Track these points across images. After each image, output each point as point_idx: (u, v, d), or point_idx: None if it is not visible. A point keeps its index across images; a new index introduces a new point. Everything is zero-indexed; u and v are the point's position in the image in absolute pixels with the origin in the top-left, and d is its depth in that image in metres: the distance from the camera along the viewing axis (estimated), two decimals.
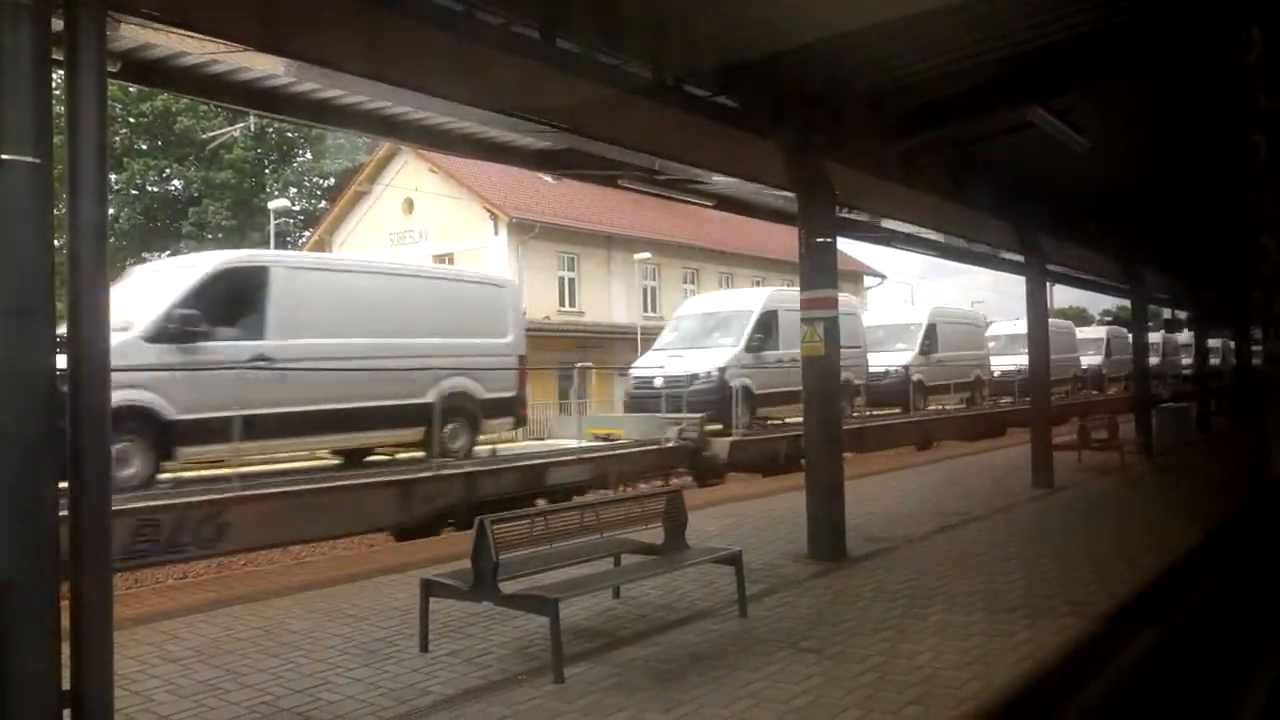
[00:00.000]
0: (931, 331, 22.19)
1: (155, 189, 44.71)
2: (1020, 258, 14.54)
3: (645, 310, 31.49)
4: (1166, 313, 34.77)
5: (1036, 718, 1.08)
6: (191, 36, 5.22)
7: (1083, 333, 33.94)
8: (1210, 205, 13.63)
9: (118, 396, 9.19)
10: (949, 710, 4.52)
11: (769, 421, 16.35)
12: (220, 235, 43.21)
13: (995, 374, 24.76)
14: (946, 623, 6.07)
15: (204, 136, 39.70)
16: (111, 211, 35.02)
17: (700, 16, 6.75)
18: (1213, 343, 30.40)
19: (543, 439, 16.30)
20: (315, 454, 11.55)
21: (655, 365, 16.46)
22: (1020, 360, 19.43)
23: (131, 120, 43.12)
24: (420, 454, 11.46)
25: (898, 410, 20.17)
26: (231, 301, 9.85)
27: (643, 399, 15.98)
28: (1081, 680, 1.09)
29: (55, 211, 3.53)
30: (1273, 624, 1.24)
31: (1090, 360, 31.14)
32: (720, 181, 10.66)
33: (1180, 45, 7.56)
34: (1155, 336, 29.23)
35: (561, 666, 5.09)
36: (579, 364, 24.57)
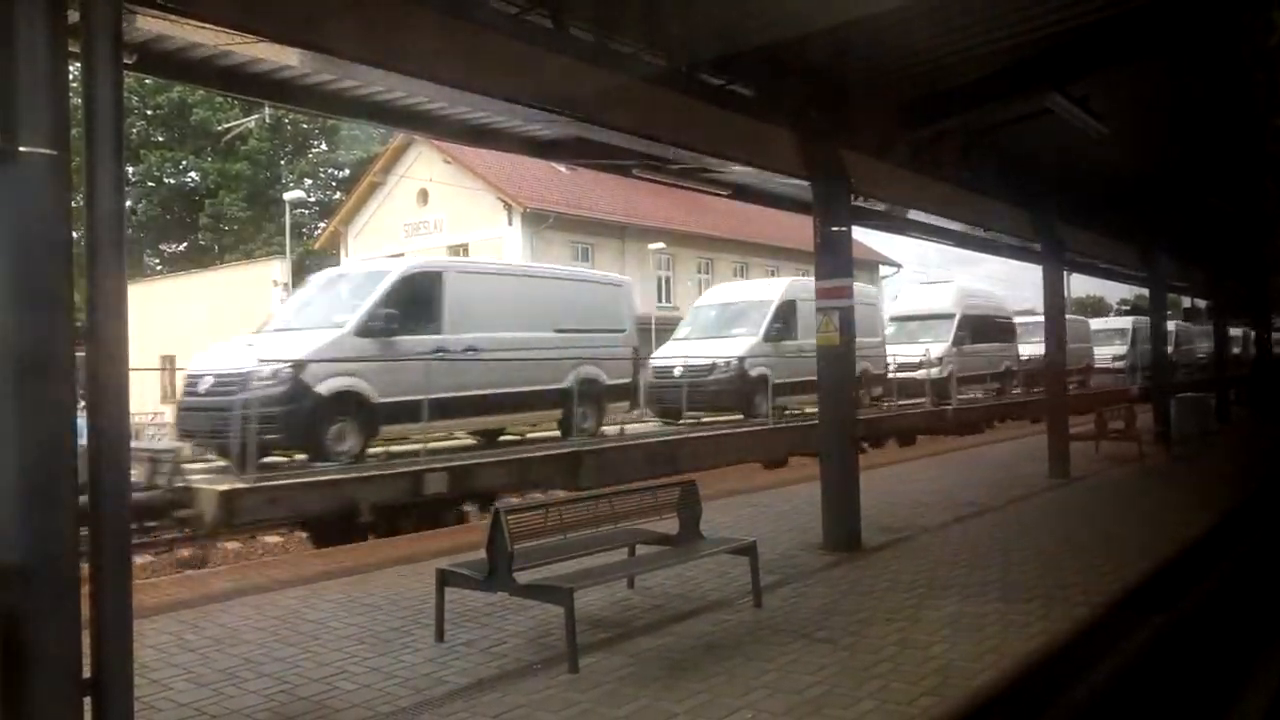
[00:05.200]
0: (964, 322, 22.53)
1: (172, 181, 44.99)
2: (1037, 246, 14.42)
3: (659, 300, 31.43)
4: (1186, 302, 34.44)
5: (1042, 702, 1.08)
6: (204, 27, 5.23)
7: (1111, 323, 34.02)
8: (1230, 192, 13.49)
9: (337, 384, 9.78)
10: (963, 700, 4.51)
11: (787, 411, 16.30)
12: (236, 227, 43.50)
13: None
14: (961, 613, 6.06)
15: (220, 128, 39.92)
16: (129, 203, 35.29)
17: (713, 2, 6.71)
18: (1233, 331, 30.12)
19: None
20: (452, 435, 12.70)
21: (675, 355, 16.45)
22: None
23: (148, 112, 43.42)
24: (556, 433, 13.05)
25: None
26: (417, 301, 11.30)
27: (663, 389, 16.02)
28: (1088, 666, 1.08)
29: (73, 203, 3.55)
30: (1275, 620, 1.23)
31: (1119, 350, 31.27)
32: (735, 170, 10.61)
33: (1200, 30, 7.47)
34: (1171, 325, 29.06)
35: (576, 656, 5.11)
36: None
